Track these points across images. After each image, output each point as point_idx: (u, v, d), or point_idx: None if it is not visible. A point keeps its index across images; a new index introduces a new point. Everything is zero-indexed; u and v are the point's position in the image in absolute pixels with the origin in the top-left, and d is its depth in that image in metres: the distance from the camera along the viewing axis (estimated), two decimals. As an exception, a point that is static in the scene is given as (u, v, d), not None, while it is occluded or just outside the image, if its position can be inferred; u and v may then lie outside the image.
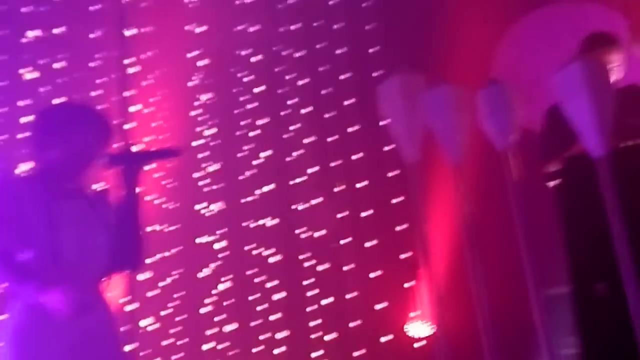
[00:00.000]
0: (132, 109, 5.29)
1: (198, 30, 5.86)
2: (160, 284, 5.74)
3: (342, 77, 6.15)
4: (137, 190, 2.57)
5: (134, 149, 2.67)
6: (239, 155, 6.10)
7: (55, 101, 2.79)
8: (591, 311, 2.64)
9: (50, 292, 2.33)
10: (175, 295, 5.80)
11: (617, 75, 3.83)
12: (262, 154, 6.14)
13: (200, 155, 6.06)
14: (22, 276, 2.41)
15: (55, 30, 5.54)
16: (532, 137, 4.13)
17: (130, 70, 5.36)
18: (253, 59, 6.35)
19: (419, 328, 5.81)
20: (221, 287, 5.86)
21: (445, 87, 2.17)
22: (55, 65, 5.55)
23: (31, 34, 5.32)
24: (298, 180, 6.15)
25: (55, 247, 2.44)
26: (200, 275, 5.89)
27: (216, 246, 5.93)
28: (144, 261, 2.65)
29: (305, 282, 5.88)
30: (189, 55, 6.15)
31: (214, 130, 6.15)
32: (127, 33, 5.40)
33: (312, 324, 5.78)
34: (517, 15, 5.97)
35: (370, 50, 6.08)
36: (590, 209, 2.54)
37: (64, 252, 2.45)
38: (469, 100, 2.17)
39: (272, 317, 5.81)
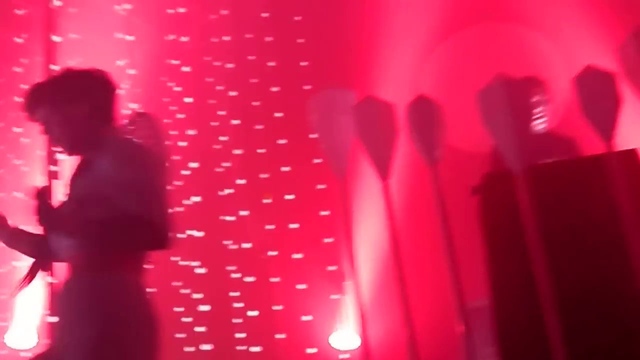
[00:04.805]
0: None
1: (128, 38, 5.79)
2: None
3: (272, 89, 6.17)
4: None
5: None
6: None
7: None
8: (509, 323, 2.72)
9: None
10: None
11: (545, 109, 3.96)
12: (191, 165, 6.10)
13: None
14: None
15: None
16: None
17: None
18: (183, 69, 6.32)
19: (345, 340, 5.85)
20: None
21: (373, 102, 2.21)
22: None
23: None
24: (226, 191, 6.13)
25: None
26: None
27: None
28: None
29: (231, 294, 5.85)
30: (118, 63, 6.07)
31: (141, 140, 6.07)
32: (55, 39, 5.29)
33: (237, 336, 5.76)
34: (446, 33, 6.11)
35: (300, 64, 6.12)
36: (509, 224, 2.63)
37: None
38: (397, 115, 2.22)
39: (197, 329, 5.75)
